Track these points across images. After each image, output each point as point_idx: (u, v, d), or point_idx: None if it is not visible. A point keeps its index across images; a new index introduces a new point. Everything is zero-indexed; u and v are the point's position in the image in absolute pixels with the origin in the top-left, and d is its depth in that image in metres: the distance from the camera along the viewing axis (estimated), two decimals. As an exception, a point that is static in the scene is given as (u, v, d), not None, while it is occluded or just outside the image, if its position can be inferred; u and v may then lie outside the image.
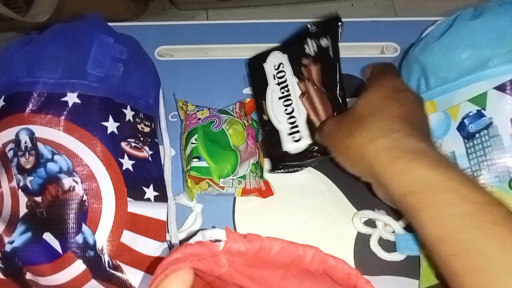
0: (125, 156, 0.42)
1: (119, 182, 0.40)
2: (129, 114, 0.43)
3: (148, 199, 0.42)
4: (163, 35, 0.59)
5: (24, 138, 0.39)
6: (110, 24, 0.46)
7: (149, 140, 0.45)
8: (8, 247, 0.38)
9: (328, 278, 0.26)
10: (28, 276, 0.39)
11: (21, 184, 0.38)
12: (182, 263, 0.24)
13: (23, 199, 0.38)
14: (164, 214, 0.43)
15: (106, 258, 0.38)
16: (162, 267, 0.25)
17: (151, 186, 0.43)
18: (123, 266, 0.39)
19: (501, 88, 0.38)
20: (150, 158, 0.44)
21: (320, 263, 0.25)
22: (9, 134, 0.39)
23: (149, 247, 0.41)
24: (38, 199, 0.38)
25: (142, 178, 0.42)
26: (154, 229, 0.42)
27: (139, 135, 0.44)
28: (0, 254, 0.39)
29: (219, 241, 0.25)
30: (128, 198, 0.40)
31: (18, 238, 0.38)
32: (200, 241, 0.26)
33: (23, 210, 0.38)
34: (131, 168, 0.41)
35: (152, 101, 0.47)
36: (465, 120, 0.40)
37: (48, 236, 0.38)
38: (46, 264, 0.38)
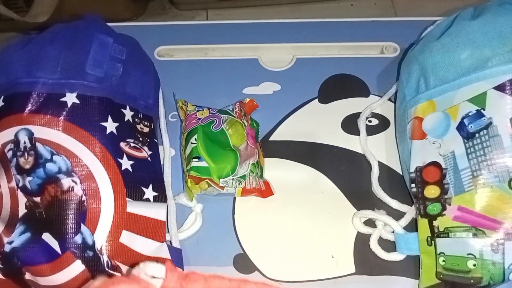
0: (124, 156, 0.42)
1: (118, 183, 0.40)
2: (128, 114, 0.43)
3: (147, 200, 0.42)
4: (163, 35, 0.59)
5: (23, 139, 0.39)
6: (109, 24, 0.46)
7: (148, 140, 0.45)
8: (7, 247, 0.38)
9: None
10: (28, 276, 0.39)
11: (20, 184, 0.38)
12: None
13: (22, 199, 0.38)
14: (163, 214, 0.43)
15: (105, 258, 0.38)
16: None
17: (150, 187, 0.43)
18: (122, 266, 0.39)
19: (500, 88, 0.38)
20: (149, 159, 0.44)
21: None
22: (8, 134, 0.39)
23: (148, 247, 0.41)
24: (37, 199, 0.38)
25: (141, 179, 0.42)
26: (153, 229, 0.42)
27: (138, 135, 0.44)
28: None
29: (157, 277, 0.24)
30: (127, 199, 0.40)
31: (17, 238, 0.38)
32: (135, 277, 0.24)
33: (22, 211, 0.38)
34: (130, 169, 0.41)
35: (152, 101, 0.47)
36: (465, 120, 0.40)
37: (47, 237, 0.38)
38: (45, 264, 0.38)
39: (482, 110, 0.39)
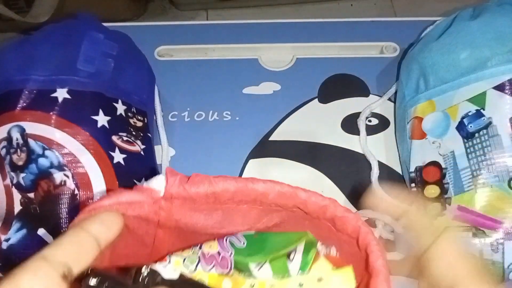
0: (116, 149, 0.42)
1: (110, 176, 0.40)
2: (120, 108, 0.44)
3: None
4: (163, 35, 0.59)
5: (16, 135, 0.39)
6: (109, 24, 0.47)
7: (141, 134, 0.45)
8: (4, 245, 0.38)
9: (301, 212, 0.25)
10: None
11: (14, 181, 0.39)
12: (108, 206, 0.22)
13: (17, 196, 0.38)
14: None
15: None
16: (87, 210, 0.22)
17: (143, 181, 0.43)
18: None
19: (500, 88, 0.38)
20: (142, 153, 0.44)
21: (288, 198, 0.24)
22: (1, 132, 0.40)
23: None
24: (31, 195, 0.38)
25: (133, 172, 0.42)
26: None
27: (131, 129, 0.44)
28: None
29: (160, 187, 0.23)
30: None
31: (14, 235, 0.38)
32: (138, 187, 0.23)
33: (17, 207, 0.38)
34: (122, 162, 0.41)
35: (146, 96, 0.48)
36: (465, 120, 0.40)
37: (42, 232, 0.38)
38: None
39: (481, 110, 0.39)
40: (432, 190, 0.41)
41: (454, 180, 0.40)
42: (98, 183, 0.39)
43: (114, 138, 0.42)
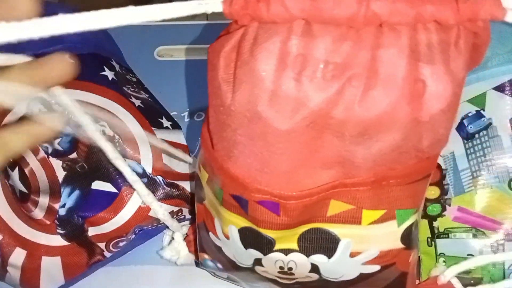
0: (132, 97, 0.44)
1: (139, 116, 0.42)
2: (116, 65, 0.46)
3: (167, 127, 0.44)
4: (163, 35, 0.59)
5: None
6: (110, 24, 0.48)
7: (140, 86, 0.47)
8: (62, 211, 0.39)
9: None
10: (91, 232, 0.39)
11: (49, 151, 0.39)
12: None
13: (57, 163, 0.39)
14: (183, 139, 0.45)
15: (159, 179, 0.40)
16: None
17: (164, 118, 0.45)
18: (174, 182, 0.41)
19: (500, 88, 0.38)
20: (150, 99, 0.47)
21: None
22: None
23: (182, 167, 0.43)
24: (73, 155, 0.39)
25: (154, 112, 0.44)
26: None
27: (132, 83, 0.46)
28: (56, 221, 0.39)
29: None
30: (152, 128, 0.42)
31: (68, 199, 0.39)
32: None
33: (61, 174, 0.39)
34: (142, 105, 0.44)
35: (121, 56, 0.50)
36: (464, 121, 0.40)
37: (97, 184, 0.39)
38: (106, 208, 0.38)
39: (481, 111, 0.39)
40: (432, 191, 0.41)
41: (454, 181, 0.40)
42: (133, 124, 0.41)
43: (125, 88, 0.44)
